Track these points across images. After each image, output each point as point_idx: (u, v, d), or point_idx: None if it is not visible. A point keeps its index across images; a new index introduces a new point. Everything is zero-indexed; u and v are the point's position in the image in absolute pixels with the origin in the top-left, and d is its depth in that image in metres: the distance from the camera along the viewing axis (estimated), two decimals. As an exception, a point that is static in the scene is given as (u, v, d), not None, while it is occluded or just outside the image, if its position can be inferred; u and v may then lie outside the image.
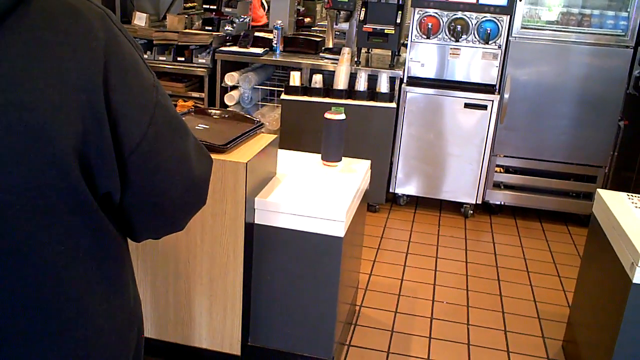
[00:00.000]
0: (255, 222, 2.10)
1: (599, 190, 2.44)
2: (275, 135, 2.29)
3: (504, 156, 3.92)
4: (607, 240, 2.20)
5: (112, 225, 0.80)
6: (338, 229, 2.06)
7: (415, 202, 4.13)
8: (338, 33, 4.46)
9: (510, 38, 3.72)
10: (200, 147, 0.89)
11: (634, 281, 1.91)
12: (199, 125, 2.18)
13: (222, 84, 4.15)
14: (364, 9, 3.85)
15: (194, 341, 2.20)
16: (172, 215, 0.89)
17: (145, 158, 0.77)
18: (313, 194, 2.18)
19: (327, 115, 2.44)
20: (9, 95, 0.65)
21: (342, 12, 4.11)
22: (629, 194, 2.40)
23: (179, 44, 4.21)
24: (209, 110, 2.44)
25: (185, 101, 4.21)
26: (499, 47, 3.72)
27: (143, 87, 0.77)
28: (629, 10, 3.64)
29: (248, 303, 2.17)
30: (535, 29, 3.75)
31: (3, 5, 0.64)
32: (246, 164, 1.95)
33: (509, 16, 3.67)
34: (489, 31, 3.68)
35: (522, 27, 3.71)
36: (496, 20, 3.68)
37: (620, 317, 1.97)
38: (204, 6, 4.76)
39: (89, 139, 0.70)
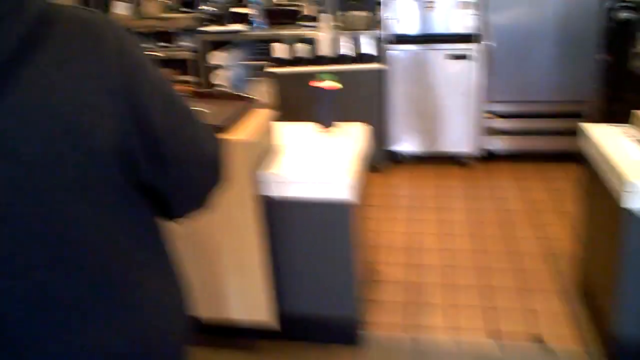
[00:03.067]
0: (267, 194, 2.19)
1: (582, 124, 2.53)
2: (270, 109, 2.37)
3: (495, 102, 3.99)
4: (596, 172, 2.31)
5: (149, 210, 0.92)
6: (346, 193, 2.16)
7: (415, 158, 4.23)
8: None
9: (485, -15, 3.77)
10: (207, 128, 0.99)
11: (623, 206, 2.02)
12: (195, 108, 2.25)
13: (206, 64, 4.19)
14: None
15: (232, 314, 2.32)
16: (195, 191, 1.00)
17: (163, 142, 0.87)
18: (317, 162, 2.27)
19: (316, 84, 2.51)
20: (47, 101, 0.74)
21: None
22: (611, 124, 2.49)
23: (159, 29, 4.24)
24: (201, 92, 2.51)
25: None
26: (475, -5, 3.77)
27: (153, 81, 0.86)
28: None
29: (275, 273, 2.29)
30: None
31: (26, 26, 0.73)
32: (245, 140, 2.03)
33: (481, -37, 3.71)
34: (463, -19, 3.72)
35: (495, -27, 3.76)
36: (469, -31, 3.72)
37: (617, 243, 2.09)
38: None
39: (125, 134, 0.80)
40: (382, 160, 4.05)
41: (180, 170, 0.93)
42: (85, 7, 0.86)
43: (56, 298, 0.79)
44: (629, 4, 3.71)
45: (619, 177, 2.05)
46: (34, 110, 0.73)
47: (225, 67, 4.20)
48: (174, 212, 0.99)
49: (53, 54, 0.75)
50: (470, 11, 3.80)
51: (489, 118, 4.03)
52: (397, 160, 4.18)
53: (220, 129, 2.05)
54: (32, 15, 0.74)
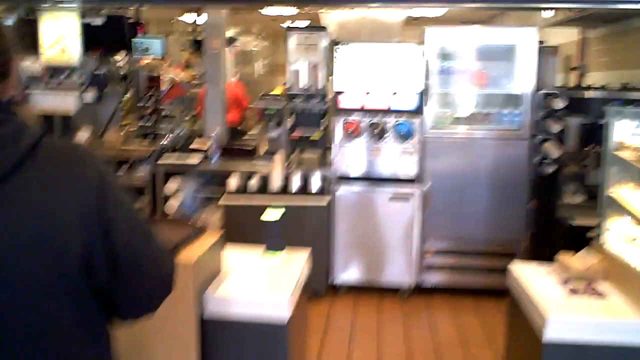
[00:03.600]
0: (206, 316, 2.26)
1: (510, 265, 2.75)
2: (218, 236, 2.50)
3: (434, 239, 4.23)
4: (520, 308, 2.48)
5: (101, 310, 1.03)
6: (282, 314, 2.25)
7: (356, 289, 4.34)
8: (270, 139, 4.79)
9: (424, 136, 4.16)
10: (165, 247, 1.15)
11: (544, 341, 2.17)
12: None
13: (163, 194, 4.35)
14: (291, 116, 4.23)
15: None
16: (147, 299, 1.12)
17: (128, 258, 1.01)
18: (257, 285, 2.37)
19: (265, 217, 2.68)
20: (32, 221, 0.89)
21: (272, 121, 4.48)
22: (537, 264, 2.72)
23: (119, 159, 4.43)
24: (155, 219, 2.64)
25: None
26: (415, 144, 4.15)
27: (124, 207, 1.03)
28: (520, 107, 4.18)
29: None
30: (444, 128, 4.22)
31: (18, 157, 0.90)
32: (192, 265, 2.14)
33: (420, 118, 4.13)
34: (402, 133, 4.11)
35: (432, 127, 4.18)
36: (409, 123, 4.13)
37: (538, 374, 2.21)
38: (140, 123, 5.03)
39: (89, 248, 0.94)
40: (324, 290, 4.16)
41: (137, 281, 1.06)
42: (70, 142, 1.04)
43: None
44: (552, 161, 4.13)
45: (539, 312, 2.23)
46: (19, 224, 0.88)
47: (180, 196, 4.36)
48: (125, 314, 1.11)
49: (41, 178, 0.91)
50: (412, 157, 4.16)
51: (427, 254, 4.24)
52: (339, 289, 4.30)
53: (172, 251, 2.17)
54: (27, 145, 0.91)
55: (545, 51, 4.34)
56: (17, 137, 0.90)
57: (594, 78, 5.30)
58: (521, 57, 4.16)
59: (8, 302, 0.89)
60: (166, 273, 1.13)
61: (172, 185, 4.30)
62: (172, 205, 4.32)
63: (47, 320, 0.93)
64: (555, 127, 4.05)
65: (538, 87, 4.20)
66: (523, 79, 4.15)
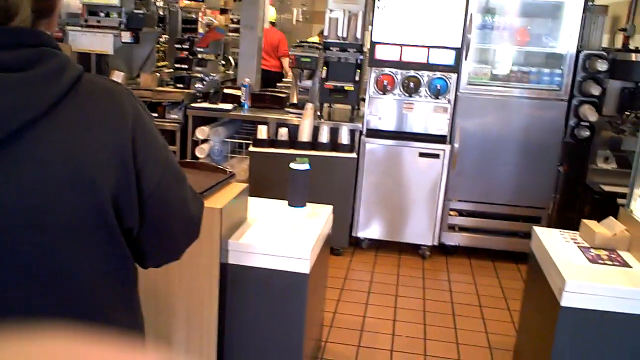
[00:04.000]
0: (229, 262, 2.33)
1: (534, 227, 2.75)
2: (246, 184, 2.55)
3: (458, 200, 4.24)
4: (541, 271, 2.49)
5: (130, 254, 1.04)
6: (304, 266, 2.31)
7: (377, 245, 4.40)
8: (302, 90, 4.79)
9: (458, 93, 4.10)
10: (194, 192, 1.15)
11: (562, 304, 2.19)
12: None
13: (193, 138, 4.41)
14: (325, 67, 4.20)
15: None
16: (174, 245, 1.15)
17: (158, 200, 1.02)
18: (281, 236, 2.42)
19: (292, 166, 2.71)
20: (68, 155, 0.90)
21: (305, 71, 4.46)
22: (561, 230, 2.71)
23: (153, 101, 4.48)
24: (186, 162, 2.69)
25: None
26: (449, 101, 4.09)
27: (158, 147, 1.03)
28: (562, 67, 4.07)
29: (222, 338, 2.38)
30: (480, 85, 4.14)
31: (63, 90, 0.91)
32: (221, 209, 2.19)
33: (456, 74, 4.06)
34: (439, 87, 4.05)
35: (468, 84, 4.10)
36: (445, 78, 4.06)
37: (552, 338, 2.24)
38: (175, 65, 5.06)
39: (121, 188, 0.95)
40: (346, 245, 4.21)
41: (165, 225, 1.07)
42: (108, 78, 1.04)
43: (34, 324, 0.92)
44: (588, 125, 4.05)
45: (560, 278, 2.23)
46: (56, 162, 0.89)
47: (210, 142, 4.42)
48: (150, 260, 1.12)
49: (80, 115, 0.93)
50: (445, 115, 4.11)
51: (451, 214, 4.24)
52: (362, 246, 4.35)
53: (201, 196, 2.22)
54: (70, 79, 0.92)
55: (593, 10, 4.18)
56: (61, 71, 0.91)
57: (642, 40, 5.09)
58: (567, 14, 4.02)
59: (34, 245, 0.89)
60: (195, 217, 1.14)
61: (203, 130, 4.35)
62: (203, 149, 4.38)
63: (76, 269, 0.94)
64: (596, 90, 3.94)
65: (582, 47, 4.07)
66: (567, 38, 4.02)
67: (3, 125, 0.85)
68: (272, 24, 7.52)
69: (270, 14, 7.53)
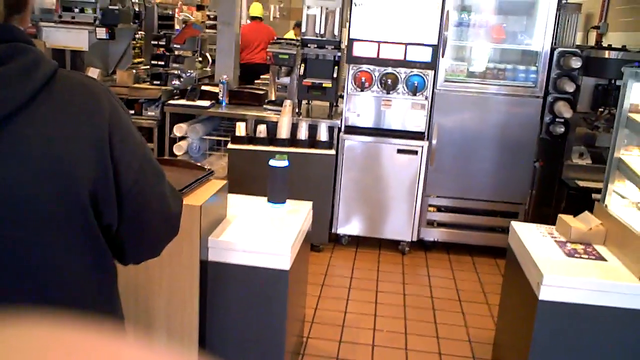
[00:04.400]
0: (209, 259, 2.32)
1: (512, 222, 2.78)
2: (225, 181, 2.53)
3: (436, 196, 4.27)
4: (519, 266, 2.52)
5: (109, 250, 1.04)
6: (284, 263, 2.30)
7: (356, 242, 4.41)
8: (280, 87, 4.78)
9: (435, 90, 4.13)
10: (173, 188, 1.15)
11: (540, 298, 2.22)
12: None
13: (171, 135, 4.37)
14: (303, 64, 4.20)
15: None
16: (153, 242, 1.14)
17: (136, 196, 1.02)
18: (260, 232, 2.42)
19: (272, 163, 2.70)
20: (46, 150, 0.89)
21: (283, 68, 4.45)
22: (538, 225, 2.75)
23: (129, 98, 4.43)
24: (164, 159, 2.67)
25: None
26: (426, 98, 4.12)
27: (135, 143, 1.03)
28: (537, 65, 4.12)
29: (203, 335, 2.36)
30: (457, 81, 4.18)
31: (37, 86, 0.89)
32: (200, 207, 2.18)
33: (433, 71, 4.08)
34: (416, 84, 4.08)
35: (445, 81, 4.13)
36: (422, 75, 4.09)
37: (531, 331, 2.27)
38: (152, 62, 5.01)
39: (98, 183, 0.95)
40: (326, 241, 4.22)
41: (144, 222, 1.07)
42: (83, 74, 1.03)
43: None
44: (563, 121, 4.11)
45: (537, 272, 2.26)
46: (34, 157, 0.88)
47: (188, 139, 4.38)
48: (129, 257, 1.12)
49: (55, 110, 0.92)
50: (422, 112, 4.14)
51: (429, 210, 4.28)
52: (342, 242, 4.36)
53: (179, 193, 2.20)
54: (44, 75, 0.91)
55: (567, 8, 4.24)
56: (36, 67, 0.90)
57: (614, 39, 5.18)
58: (542, 12, 4.07)
59: (12, 239, 0.89)
60: (174, 214, 1.13)
61: (181, 127, 4.32)
62: (181, 147, 4.35)
63: (54, 264, 0.94)
64: (570, 87, 4.00)
65: (557, 45, 4.13)
66: (541, 36, 4.07)
67: None
68: (260, 19, 7.62)
69: (256, 7, 7.66)
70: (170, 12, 6.14)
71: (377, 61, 4.09)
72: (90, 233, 0.97)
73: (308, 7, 4.15)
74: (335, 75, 4.15)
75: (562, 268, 2.29)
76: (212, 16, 7.32)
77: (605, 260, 2.38)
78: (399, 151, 4.15)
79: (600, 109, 4.02)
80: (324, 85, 4.16)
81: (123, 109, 1.03)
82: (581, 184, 4.03)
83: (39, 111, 0.90)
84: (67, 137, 0.91)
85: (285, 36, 6.63)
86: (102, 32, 4.44)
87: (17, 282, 0.90)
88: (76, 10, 4.48)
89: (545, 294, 2.22)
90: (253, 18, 7.61)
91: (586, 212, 2.66)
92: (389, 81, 4.09)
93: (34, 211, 0.89)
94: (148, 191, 1.04)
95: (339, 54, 4.19)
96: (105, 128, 0.95)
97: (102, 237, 1.00)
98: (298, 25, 6.96)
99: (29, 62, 0.89)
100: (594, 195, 3.71)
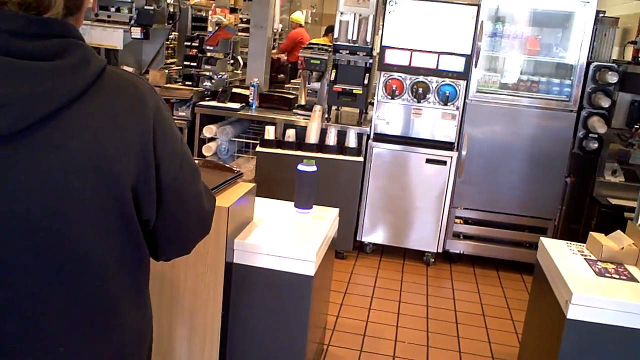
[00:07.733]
0: (235, 261, 2.32)
1: (541, 238, 2.73)
2: (253, 184, 2.54)
3: (463, 208, 4.22)
4: (547, 282, 2.47)
5: (145, 246, 1.05)
6: (309, 268, 2.29)
7: (381, 250, 4.38)
8: (310, 91, 4.78)
9: (467, 100, 4.09)
10: (207, 187, 1.16)
11: (568, 317, 2.17)
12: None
13: (201, 136, 4.40)
14: (334, 70, 4.19)
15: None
16: (187, 239, 1.15)
17: (175, 193, 1.03)
18: (287, 237, 2.41)
19: (300, 167, 2.70)
20: (93, 144, 0.91)
21: (314, 73, 4.45)
22: (568, 242, 2.70)
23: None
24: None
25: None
26: (457, 108, 4.08)
27: (176, 141, 1.04)
28: (572, 78, 4.05)
29: (225, 337, 2.36)
30: (489, 92, 4.13)
31: (89, 81, 0.91)
32: (228, 208, 2.18)
33: (465, 81, 4.05)
34: (447, 94, 4.04)
35: (477, 91, 4.09)
36: (454, 85, 4.05)
37: (557, 350, 2.22)
38: (184, 63, 5.05)
39: (141, 178, 0.96)
40: (350, 249, 4.20)
41: (180, 218, 1.08)
42: (130, 72, 1.04)
43: (47, 311, 0.92)
44: (596, 137, 4.03)
45: (566, 290, 2.22)
46: (82, 150, 0.90)
47: (217, 141, 4.41)
48: (163, 253, 1.13)
49: (103, 106, 0.93)
50: (452, 122, 4.10)
51: (456, 221, 4.23)
52: (366, 250, 4.33)
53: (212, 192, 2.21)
54: (95, 71, 0.93)
55: (604, 21, 4.17)
56: (88, 63, 0.92)
57: (652, 54, 5.07)
58: (578, 25, 4.01)
59: (60, 234, 0.90)
60: (207, 212, 1.15)
61: (210, 128, 4.35)
62: (210, 148, 4.38)
63: (92, 256, 0.94)
64: (605, 102, 3.92)
65: (592, 59, 4.06)
66: (577, 49, 4.00)
67: (32, 112, 0.86)
68: (301, 25, 8.38)
69: (299, 15, 8.38)
70: (204, 14, 6.19)
71: (408, 69, 4.07)
72: (130, 228, 0.98)
73: (341, 13, 4.15)
74: (366, 81, 4.14)
75: (592, 287, 2.24)
76: (244, 19, 7.36)
77: (637, 281, 2.32)
78: (428, 161, 4.11)
79: (635, 126, 3.94)
80: (354, 91, 4.15)
81: (166, 107, 1.04)
82: (613, 201, 3.95)
83: (89, 105, 0.91)
84: (113, 132, 0.93)
85: (315, 41, 6.64)
86: (137, 32, 4.50)
87: (54, 276, 0.91)
88: (112, 9, 4.54)
89: (573, 312, 2.17)
90: (298, 25, 8.26)
91: (618, 230, 2.60)
92: (420, 90, 4.06)
93: (75, 203, 0.90)
94: (186, 188, 1.06)
95: (371, 60, 4.17)
96: (150, 125, 0.97)
97: (140, 232, 1.01)
98: (330, 30, 7.00)
99: (82, 58, 0.92)
100: (626, 214, 3.63)
